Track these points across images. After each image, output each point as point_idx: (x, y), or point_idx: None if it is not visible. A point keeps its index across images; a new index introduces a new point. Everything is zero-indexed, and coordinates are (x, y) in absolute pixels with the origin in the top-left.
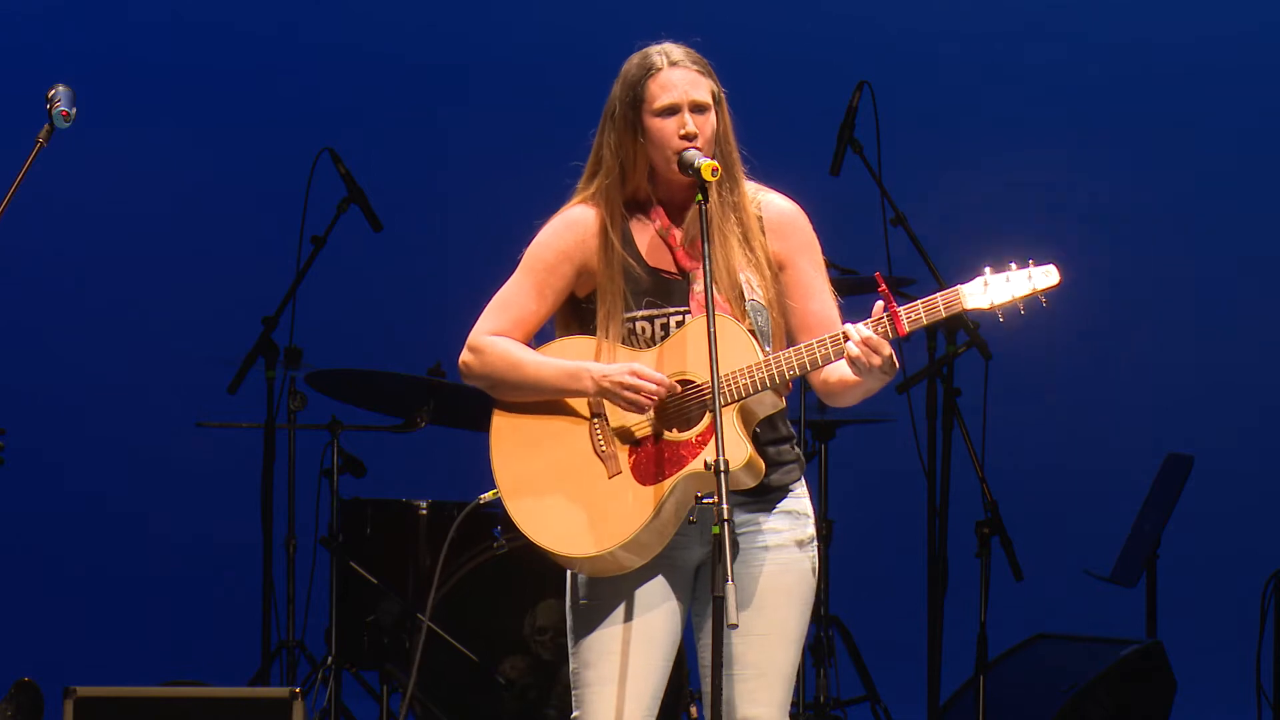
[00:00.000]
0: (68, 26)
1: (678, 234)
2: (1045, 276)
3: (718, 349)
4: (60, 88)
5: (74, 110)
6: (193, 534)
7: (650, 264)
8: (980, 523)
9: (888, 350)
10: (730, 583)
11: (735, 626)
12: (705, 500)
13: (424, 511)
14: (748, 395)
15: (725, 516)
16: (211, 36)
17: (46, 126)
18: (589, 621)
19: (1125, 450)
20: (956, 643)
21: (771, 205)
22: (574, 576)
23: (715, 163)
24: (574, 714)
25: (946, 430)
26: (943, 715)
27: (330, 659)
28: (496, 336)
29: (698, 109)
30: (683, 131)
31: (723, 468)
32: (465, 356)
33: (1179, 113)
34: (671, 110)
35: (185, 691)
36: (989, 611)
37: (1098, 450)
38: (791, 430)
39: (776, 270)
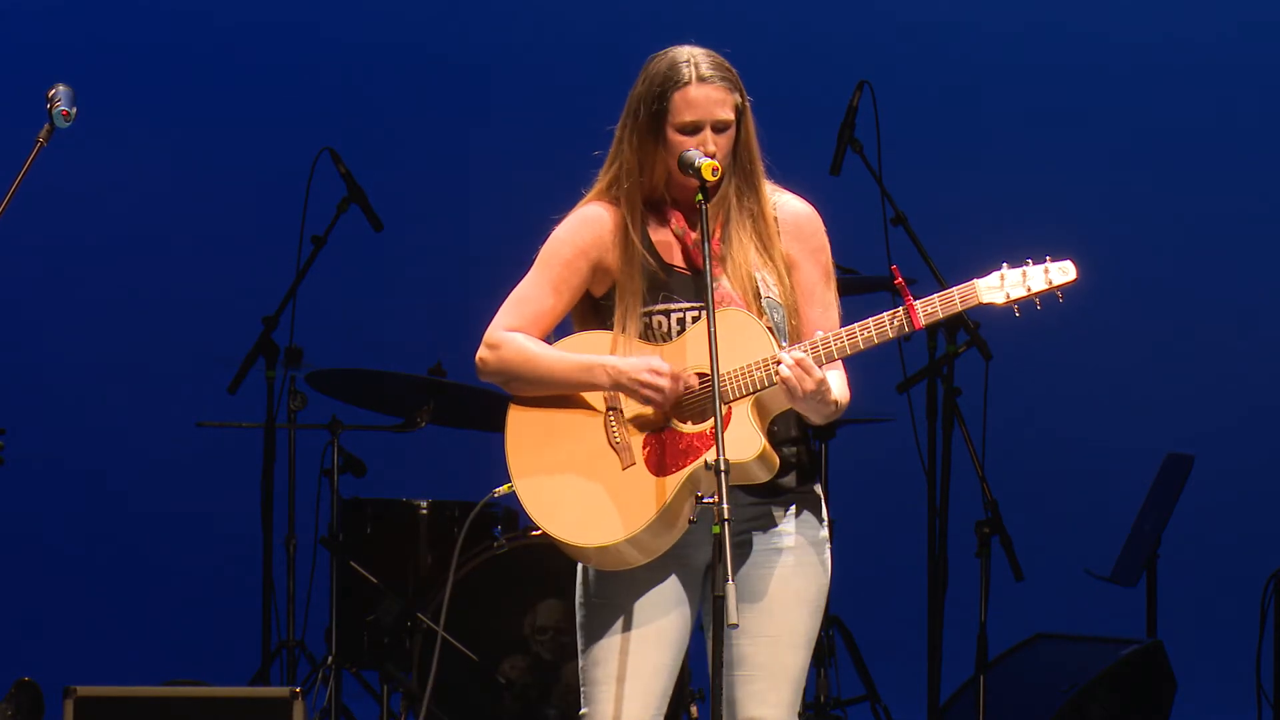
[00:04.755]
0: (68, 25)
1: (693, 234)
2: (1062, 273)
3: (736, 342)
4: (60, 87)
5: (74, 110)
6: (193, 534)
7: (666, 261)
8: (980, 523)
9: (818, 375)
10: (730, 582)
11: (735, 626)
12: (706, 500)
13: (424, 511)
14: (763, 388)
15: (725, 516)
16: (212, 36)
17: (46, 126)
18: (600, 619)
19: (1125, 450)
20: (956, 643)
21: (787, 206)
22: (585, 573)
23: (715, 163)
24: (582, 711)
25: (946, 430)
26: (943, 715)
27: (330, 659)
28: (513, 333)
29: (719, 128)
30: (702, 150)
31: (723, 468)
32: (482, 353)
33: (1179, 112)
34: (694, 128)
35: (185, 691)
36: (989, 611)
37: (1098, 450)
38: (807, 431)
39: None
